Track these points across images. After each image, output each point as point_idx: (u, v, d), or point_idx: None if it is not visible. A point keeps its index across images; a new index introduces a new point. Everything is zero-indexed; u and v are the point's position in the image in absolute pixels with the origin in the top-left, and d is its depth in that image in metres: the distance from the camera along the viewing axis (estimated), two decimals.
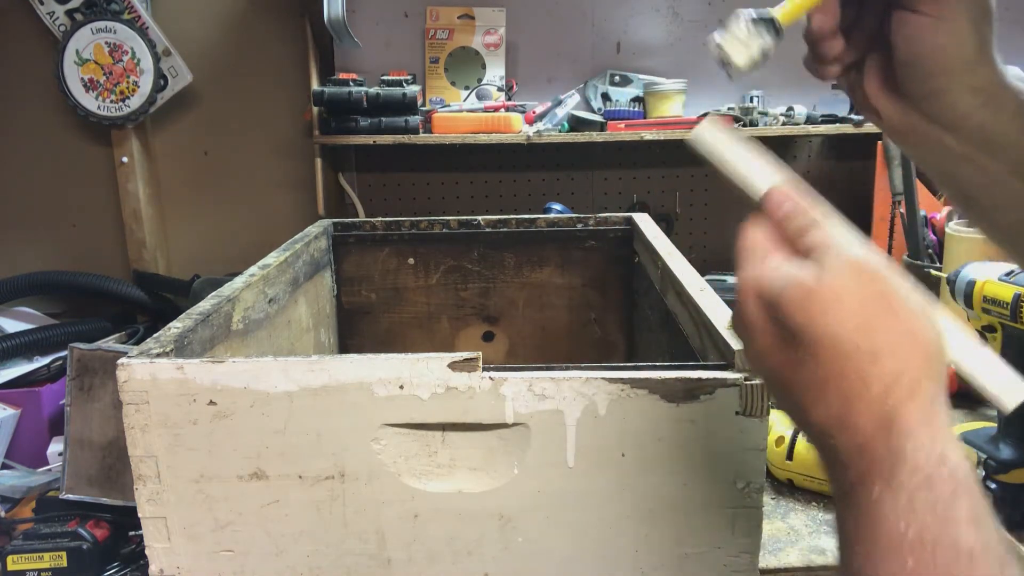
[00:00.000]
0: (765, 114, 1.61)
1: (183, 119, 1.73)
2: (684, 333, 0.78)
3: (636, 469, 0.59)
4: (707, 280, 0.80)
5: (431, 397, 0.58)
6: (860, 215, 1.74)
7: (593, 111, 1.71)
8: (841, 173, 1.81)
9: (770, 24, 0.48)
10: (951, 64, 0.50)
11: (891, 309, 0.38)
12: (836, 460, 0.38)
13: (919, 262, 1.41)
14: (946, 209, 1.49)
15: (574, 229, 1.13)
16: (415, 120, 1.54)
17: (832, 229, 0.40)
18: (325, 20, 1.45)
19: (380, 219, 1.13)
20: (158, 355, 0.60)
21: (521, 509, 0.60)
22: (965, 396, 1.19)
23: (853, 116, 1.62)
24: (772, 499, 0.94)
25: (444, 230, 1.12)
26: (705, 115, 1.59)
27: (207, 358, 0.59)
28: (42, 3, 1.58)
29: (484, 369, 0.57)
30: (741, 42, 0.47)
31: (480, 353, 0.57)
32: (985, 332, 0.89)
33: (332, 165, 1.71)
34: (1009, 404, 0.40)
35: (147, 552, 0.61)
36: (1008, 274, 0.85)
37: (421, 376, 0.57)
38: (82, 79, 1.59)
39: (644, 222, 1.09)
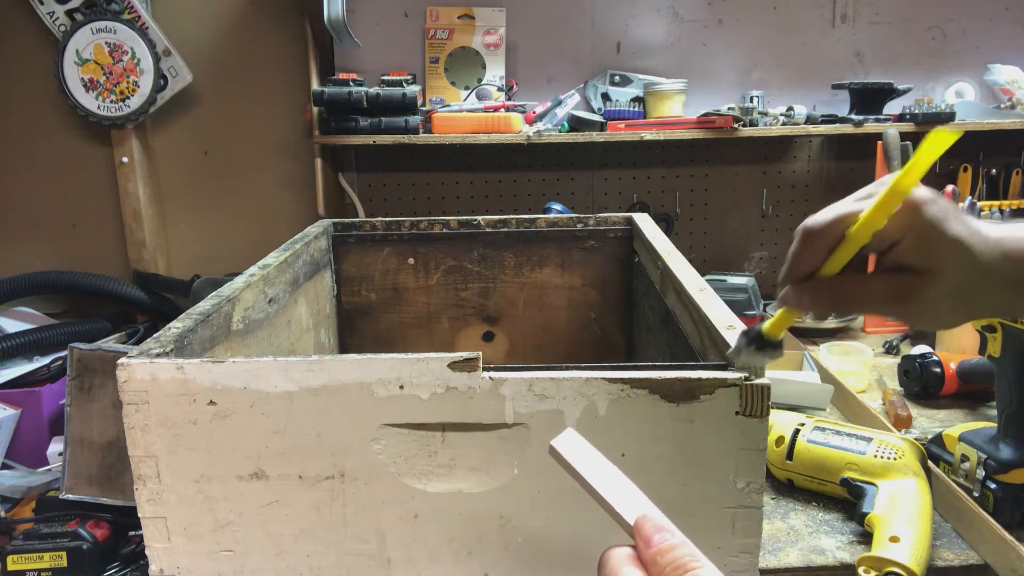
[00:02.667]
0: (765, 114, 1.61)
1: (183, 119, 1.73)
2: (684, 333, 0.78)
3: (636, 469, 0.58)
4: (707, 280, 0.80)
5: (431, 397, 0.58)
6: None
7: (593, 111, 1.71)
8: (841, 173, 1.81)
9: (763, 343, 0.53)
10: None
11: None
12: None
13: None
14: None
15: (574, 229, 1.13)
16: (415, 120, 1.54)
17: (712, 573, 0.39)
18: (325, 20, 1.45)
19: (380, 219, 1.13)
20: (158, 355, 0.60)
21: (521, 509, 0.60)
22: (965, 396, 1.19)
23: (853, 116, 1.62)
24: (772, 499, 0.94)
25: (444, 230, 1.12)
26: (707, 114, 1.59)
27: (207, 358, 0.59)
28: (42, 3, 1.58)
29: (484, 369, 0.57)
30: (750, 363, 0.54)
31: (480, 353, 0.57)
32: (985, 332, 0.89)
33: (332, 165, 1.71)
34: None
35: (147, 552, 0.61)
36: None
37: (421, 376, 0.57)
38: (82, 79, 1.59)
39: (644, 222, 1.09)
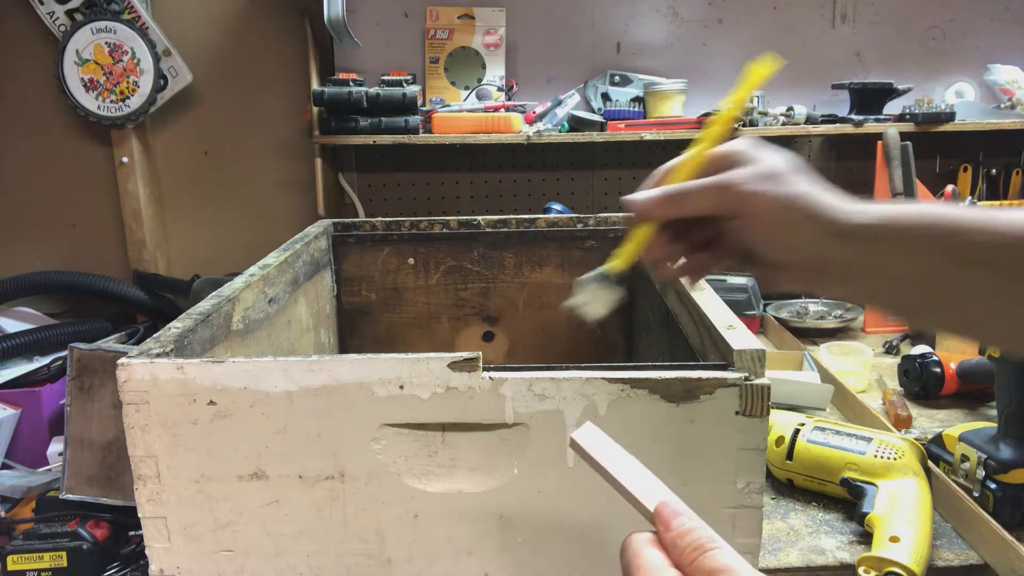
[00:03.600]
0: (765, 114, 1.61)
1: (183, 119, 1.73)
2: (684, 333, 0.78)
3: None
4: (707, 280, 0.80)
5: (431, 397, 0.58)
6: None
7: (593, 111, 1.71)
8: (841, 173, 1.81)
9: (608, 279, 0.55)
10: (780, 246, 0.50)
11: None
12: None
13: None
14: None
15: (574, 229, 1.13)
16: (415, 120, 1.54)
17: (729, 554, 0.40)
18: (325, 20, 1.45)
19: (380, 219, 1.13)
20: (158, 355, 0.60)
21: (521, 509, 0.60)
22: (965, 396, 1.19)
23: (853, 116, 1.62)
24: (772, 499, 0.94)
25: (444, 230, 1.12)
26: (707, 114, 1.59)
27: (207, 358, 0.59)
28: (42, 3, 1.58)
29: (484, 369, 0.57)
30: (590, 302, 0.53)
31: (480, 353, 0.57)
32: None
33: (332, 165, 1.71)
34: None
35: (147, 552, 0.61)
36: None
37: (421, 376, 0.57)
38: (82, 79, 1.59)
39: None
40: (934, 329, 0.60)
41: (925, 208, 0.47)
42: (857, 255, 0.48)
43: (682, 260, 0.56)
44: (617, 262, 0.56)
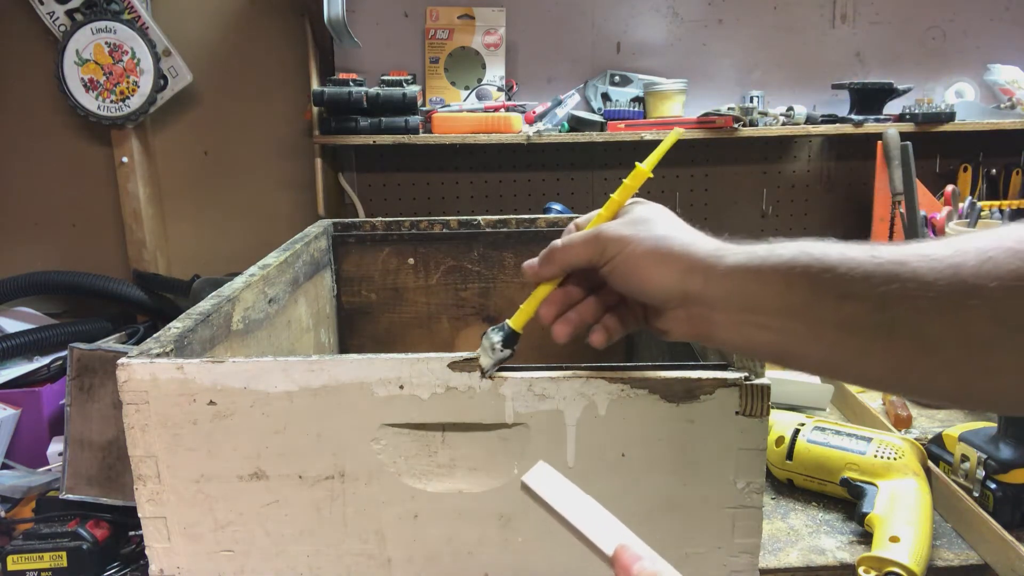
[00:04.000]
0: (765, 114, 1.61)
1: (183, 119, 1.73)
2: None
3: (636, 469, 0.59)
4: None
5: (431, 397, 0.58)
6: (860, 215, 1.74)
7: (593, 111, 1.71)
8: (841, 173, 1.81)
9: (509, 335, 0.58)
10: (648, 285, 0.52)
11: None
12: None
13: None
14: (946, 209, 1.49)
15: None
16: (415, 120, 1.54)
17: None
18: (325, 20, 1.45)
19: (380, 219, 1.13)
20: (158, 355, 0.60)
21: (521, 509, 0.60)
22: None
23: (853, 116, 1.62)
24: (772, 499, 0.94)
25: (444, 230, 1.12)
26: (707, 114, 1.59)
27: (207, 358, 0.59)
28: (42, 3, 1.58)
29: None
30: (489, 355, 0.57)
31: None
32: None
33: (332, 165, 1.71)
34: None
35: (147, 552, 0.61)
36: None
37: (421, 376, 0.57)
38: (82, 79, 1.59)
39: None
40: (812, 371, 0.59)
41: (793, 245, 0.47)
42: (725, 291, 0.49)
43: (576, 319, 0.57)
44: (513, 321, 0.58)
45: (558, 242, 0.56)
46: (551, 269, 0.56)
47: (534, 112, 1.63)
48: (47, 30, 1.60)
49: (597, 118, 1.60)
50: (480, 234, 1.12)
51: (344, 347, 1.16)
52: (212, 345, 0.71)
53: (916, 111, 1.59)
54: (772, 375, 0.62)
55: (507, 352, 0.57)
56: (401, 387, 0.57)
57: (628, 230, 0.53)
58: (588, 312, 0.57)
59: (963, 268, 0.41)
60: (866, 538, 0.83)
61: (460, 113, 1.59)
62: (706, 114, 1.59)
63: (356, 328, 1.16)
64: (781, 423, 0.97)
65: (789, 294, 0.46)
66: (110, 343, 1.23)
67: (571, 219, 1.12)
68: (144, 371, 0.57)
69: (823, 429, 0.94)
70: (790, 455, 0.94)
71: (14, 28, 1.63)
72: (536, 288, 0.58)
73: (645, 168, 0.59)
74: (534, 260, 0.57)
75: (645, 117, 1.64)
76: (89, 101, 1.60)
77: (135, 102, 1.61)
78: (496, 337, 0.57)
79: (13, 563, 0.85)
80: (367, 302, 1.15)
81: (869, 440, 0.90)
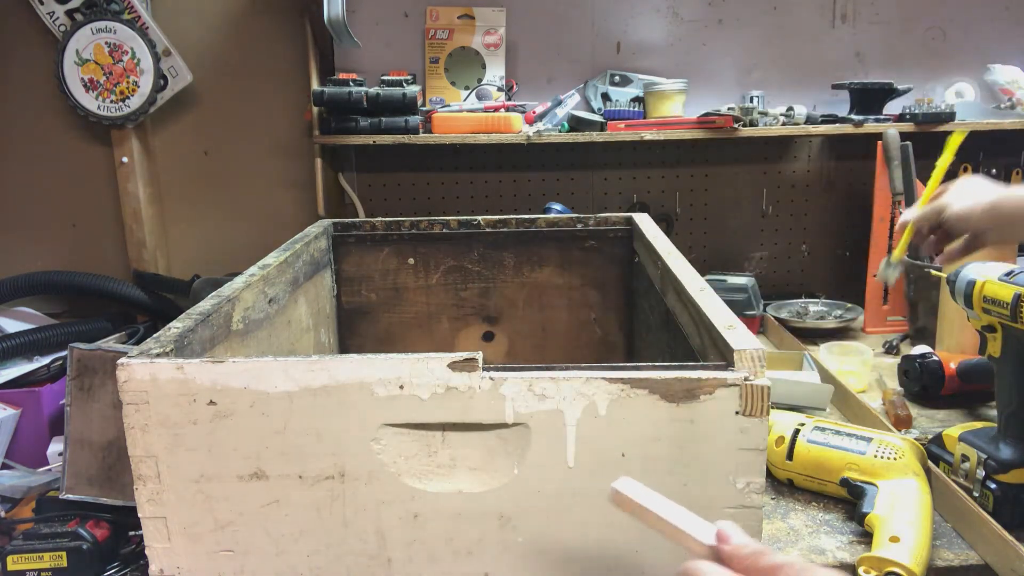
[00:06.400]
0: (765, 114, 1.61)
1: (183, 119, 1.73)
2: (684, 333, 0.78)
3: (636, 469, 0.59)
4: (707, 280, 0.80)
5: (431, 397, 0.58)
6: (860, 215, 1.74)
7: (593, 111, 1.71)
8: (841, 173, 1.81)
9: (892, 264, 1.07)
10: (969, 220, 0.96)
11: None
12: None
13: (919, 262, 1.41)
14: None
15: (574, 229, 1.13)
16: (415, 120, 1.54)
17: (786, 555, 0.44)
18: (325, 20, 1.45)
19: (380, 219, 1.13)
20: (158, 355, 0.60)
21: (521, 509, 0.60)
22: (965, 396, 1.19)
23: (853, 116, 1.62)
24: (772, 499, 0.94)
25: (444, 230, 1.12)
26: (707, 114, 1.59)
27: (207, 358, 0.59)
28: (42, 3, 1.58)
29: (484, 369, 0.57)
30: (885, 276, 1.07)
31: (480, 353, 0.57)
32: (985, 332, 0.89)
33: (332, 165, 1.71)
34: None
35: (147, 552, 0.61)
36: (1008, 274, 0.85)
37: (421, 376, 0.57)
38: (82, 79, 1.59)
39: (644, 222, 1.09)
40: None
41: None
42: (1004, 219, 0.91)
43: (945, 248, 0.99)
44: (896, 252, 1.05)
45: (919, 210, 1.00)
46: (918, 217, 1.00)
47: (534, 112, 1.63)
48: (47, 30, 1.60)
49: (597, 118, 1.60)
50: (480, 234, 1.12)
51: (344, 347, 1.16)
52: (212, 345, 0.71)
53: (916, 111, 1.59)
54: (772, 375, 0.62)
55: (899, 269, 1.07)
56: (401, 387, 0.57)
57: (951, 198, 0.98)
58: (951, 248, 0.98)
59: None
60: (866, 538, 0.83)
61: (460, 113, 1.59)
62: (706, 114, 1.59)
63: (356, 328, 1.16)
64: (781, 423, 0.97)
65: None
66: (110, 343, 1.23)
67: (570, 218, 1.13)
68: (144, 371, 0.57)
69: (823, 429, 0.94)
70: (790, 455, 0.94)
71: (14, 28, 1.63)
72: (905, 231, 1.02)
73: (943, 165, 1.04)
74: (908, 213, 1.02)
75: (645, 117, 1.64)
76: (89, 101, 1.60)
77: (135, 102, 1.61)
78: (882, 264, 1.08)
79: (13, 563, 0.85)
80: (367, 302, 1.15)
81: (869, 440, 0.90)
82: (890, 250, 1.16)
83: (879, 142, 1.57)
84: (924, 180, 1.58)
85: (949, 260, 0.99)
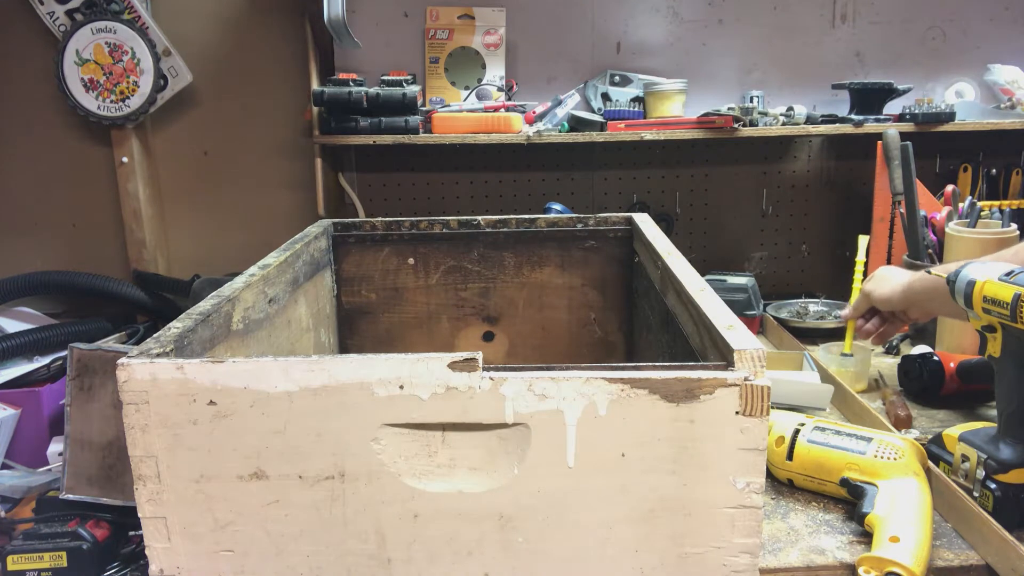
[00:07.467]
0: (765, 114, 1.61)
1: (183, 119, 1.73)
2: (684, 333, 0.78)
3: (636, 469, 0.59)
4: (707, 280, 0.80)
5: (431, 397, 0.58)
6: (860, 215, 1.74)
7: (593, 111, 1.71)
8: (841, 173, 1.81)
9: (848, 355, 1.24)
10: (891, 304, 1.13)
11: None
12: None
13: (919, 262, 1.41)
14: (946, 209, 1.49)
15: (574, 229, 1.13)
16: (415, 120, 1.54)
17: None
18: (325, 20, 1.45)
19: (380, 219, 1.13)
20: (158, 355, 0.60)
21: (521, 509, 0.60)
22: (965, 396, 1.19)
23: (853, 116, 1.62)
24: (772, 499, 0.94)
25: (444, 230, 1.12)
26: (707, 114, 1.59)
27: (207, 358, 0.59)
28: (42, 3, 1.58)
29: (484, 369, 0.57)
30: (842, 362, 1.26)
31: (480, 353, 0.57)
32: (985, 332, 0.89)
33: (332, 165, 1.71)
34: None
35: (147, 552, 0.61)
36: (1008, 274, 0.85)
37: (421, 376, 0.57)
38: (82, 79, 1.59)
39: (644, 222, 1.09)
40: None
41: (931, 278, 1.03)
42: (918, 298, 1.08)
43: (880, 329, 1.16)
44: (846, 346, 1.25)
45: (854, 303, 1.19)
46: (853, 312, 1.19)
47: (534, 112, 1.63)
48: (47, 30, 1.60)
49: (597, 118, 1.60)
50: (480, 234, 1.12)
51: (344, 347, 1.16)
52: (212, 345, 0.71)
53: (916, 111, 1.59)
54: (772, 375, 0.62)
55: (851, 360, 1.25)
56: (401, 387, 0.57)
57: (869, 285, 1.15)
58: (886, 328, 1.16)
59: None
60: (866, 538, 0.83)
61: (460, 113, 1.59)
62: (706, 114, 1.59)
63: (356, 328, 1.16)
64: (781, 423, 0.97)
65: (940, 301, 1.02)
66: (110, 343, 1.23)
67: (570, 218, 1.13)
68: (144, 371, 0.57)
69: (823, 429, 0.94)
70: (790, 455, 0.94)
71: (14, 28, 1.63)
72: (848, 324, 1.23)
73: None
74: (846, 311, 1.21)
75: (645, 117, 1.64)
76: (89, 101, 1.60)
77: (135, 102, 1.61)
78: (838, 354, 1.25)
79: (13, 563, 0.85)
80: (367, 302, 1.15)
81: (869, 440, 0.90)
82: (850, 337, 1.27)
83: (879, 142, 1.57)
84: (924, 180, 1.58)
85: (883, 339, 1.18)
